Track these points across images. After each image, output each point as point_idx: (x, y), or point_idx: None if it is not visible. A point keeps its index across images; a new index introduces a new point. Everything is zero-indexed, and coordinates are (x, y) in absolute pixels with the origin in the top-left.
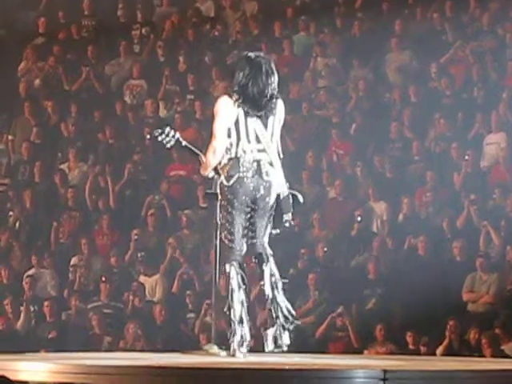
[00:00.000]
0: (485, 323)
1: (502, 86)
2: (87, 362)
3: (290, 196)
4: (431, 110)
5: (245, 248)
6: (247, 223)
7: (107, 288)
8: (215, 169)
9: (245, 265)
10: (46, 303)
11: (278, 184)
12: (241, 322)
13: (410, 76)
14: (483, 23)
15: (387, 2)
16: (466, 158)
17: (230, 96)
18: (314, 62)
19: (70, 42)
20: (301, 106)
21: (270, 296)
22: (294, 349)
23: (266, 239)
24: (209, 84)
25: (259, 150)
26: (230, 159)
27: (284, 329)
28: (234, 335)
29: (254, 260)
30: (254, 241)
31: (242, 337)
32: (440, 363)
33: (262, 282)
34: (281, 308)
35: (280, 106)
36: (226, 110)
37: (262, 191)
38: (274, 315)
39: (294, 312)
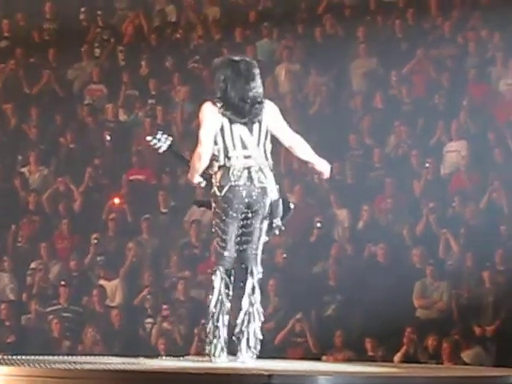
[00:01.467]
0: (443, 330)
1: (463, 94)
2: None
3: (280, 201)
4: (392, 117)
5: (234, 258)
6: (241, 231)
7: (66, 292)
8: (207, 177)
9: (233, 272)
10: (2, 306)
11: (271, 190)
12: (217, 328)
13: (374, 83)
14: (445, 31)
15: (349, 8)
16: (427, 165)
17: (214, 102)
18: (277, 68)
19: (32, 45)
20: None
21: (244, 310)
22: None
23: (259, 248)
24: (170, 89)
25: (246, 157)
26: (219, 167)
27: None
28: (210, 341)
29: (242, 266)
30: (248, 252)
31: (216, 343)
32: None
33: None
34: (248, 335)
35: (269, 109)
36: (211, 116)
37: (254, 198)
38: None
39: (258, 344)
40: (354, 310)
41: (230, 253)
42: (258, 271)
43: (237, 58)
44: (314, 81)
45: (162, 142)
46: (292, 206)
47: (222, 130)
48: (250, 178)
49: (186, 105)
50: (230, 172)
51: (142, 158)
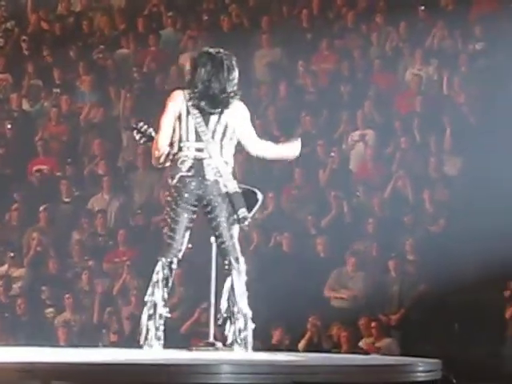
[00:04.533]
0: (349, 319)
1: (368, 84)
2: None
3: (240, 193)
4: (297, 107)
5: (183, 248)
6: (210, 226)
7: None
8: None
9: (175, 266)
10: None
11: (225, 183)
12: (149, 317)
13: (279, 73)
14: (349, 21)
15: None
16: (332, 154)
17: (183, 90)
18: (181, 57)
19: None
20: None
21: (223, 311)
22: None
23: (235, 242)
24: (75, 78)
25: (198, 149)
26: (173, 156)
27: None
28: (144, 329)
29: (224, 261)
30: (223, 246)
31: (148, 331)
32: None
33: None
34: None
35: (236, 106)
36: (173, 104)
37: (205, 191)
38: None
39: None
40: (259, 299)
41: (176, 243)
42: (239, 263)
43: (216, 51)
44: None
45: (145, 133)
46: (260, 196)
47: (179, 119)
48: (201, 170)
49: (91, 94)
50: (179, 162)
51: (47, 147)
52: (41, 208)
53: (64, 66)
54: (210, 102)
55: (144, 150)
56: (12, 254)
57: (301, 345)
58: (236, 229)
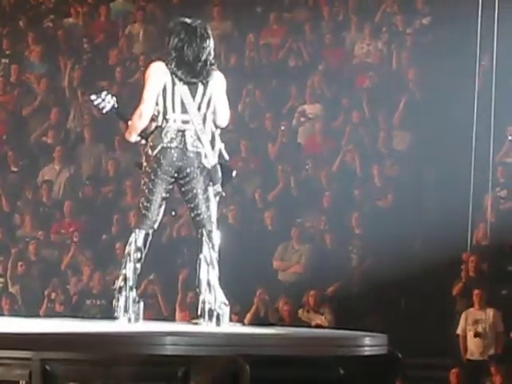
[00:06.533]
0: (295, 293)
1: (318, 58)
2: None
3: (218, 167)
4: (247, 80)
5: (159, 219)
6: (185, 198)
7: None
8: (145, 136)
9: (150, 237)
10: None
11: (207, 156)
12: (120, 290)
13: (230, 45)
14: None
15: None
16: (282, 128)
17: (164, 61)
18: (131, 29)
19: None
20: (115, 71)
21: (202, 281)
22: (106, 316)
23: (211, 214)
24: (24, 48)
25: (184, 121)
26: (156, 127)
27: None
28: (114, 301)
29: (198, 232)
30: (198, 218)
31: (119, 304)
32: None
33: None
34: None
35: (217, 77)
36: (156, 75)
37: (186, 162)
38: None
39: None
40: None
41: (152, 214)
42: (211, 236)
43: (190, 20)
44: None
45: (107, 102)
46: (234, 172)
47: (164, 90)
48: (183, 141)
49: (40, 64)
50: (163, 133)
51: None
52: None
53: (13, 36)
54: (187, 70)
55: (92, 121)
56: None
57: (247, 318)
58: (214, 201)
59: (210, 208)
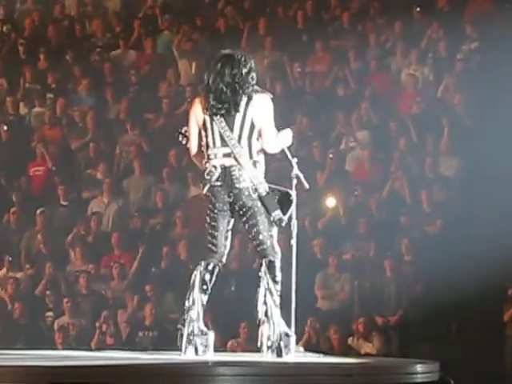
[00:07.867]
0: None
1: (364, 85)
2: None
3: (272, 195)
4: (294, 109)
5: (226, 252)
6: (230, 226)
7: None
8: None
9: (218, 269)
10: None
11: (256, 186)
12: (190, 320)
13: (276, 74)
14: (344, 22)
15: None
16: (330, 156)
17: (202, 96)
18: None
19: None
20: (162, 103)
21: (261, 315)
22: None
23: (274, 244)
24: (70, 82)
25: (225, 155)
26: (204, 164)
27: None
28: (179, 333)
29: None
30: (259, 248)
31: (188, 335)
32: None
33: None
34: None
35: (258, 100)
36: (194, 112)
37: (234, 198)
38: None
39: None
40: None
41: (218, 248)
42: (275, 266)
43: (228, 52)
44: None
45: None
46: (293, 198)
47: (204, 125)
48: (229, 178)
49: (87, 98)
50: (207, 172)
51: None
52: (38, 211)
53: (59, 69)
54: (220, 101)
55: (140, 153)
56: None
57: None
58: (275, 230)
59: (269, 236)
